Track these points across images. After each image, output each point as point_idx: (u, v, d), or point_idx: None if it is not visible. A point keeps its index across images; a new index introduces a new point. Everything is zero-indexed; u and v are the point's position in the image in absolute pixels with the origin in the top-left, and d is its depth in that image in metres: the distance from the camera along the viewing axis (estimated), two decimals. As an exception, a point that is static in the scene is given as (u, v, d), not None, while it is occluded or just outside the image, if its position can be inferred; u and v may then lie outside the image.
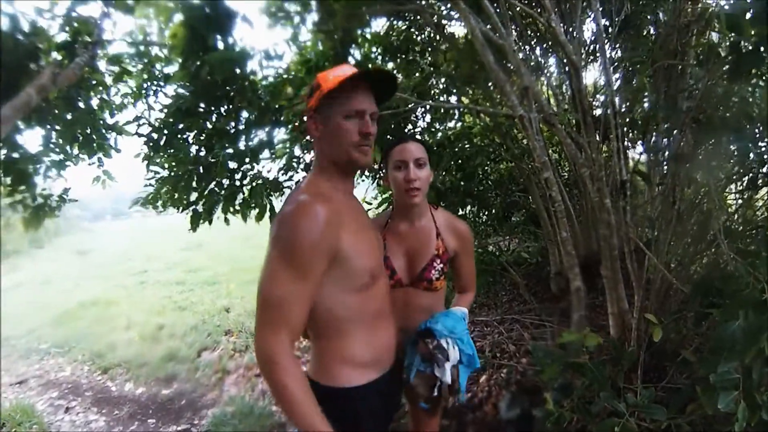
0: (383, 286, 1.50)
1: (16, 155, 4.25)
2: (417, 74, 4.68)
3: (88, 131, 4.62)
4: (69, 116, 4.39)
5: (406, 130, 4.70)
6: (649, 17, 3.06)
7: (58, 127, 4.42)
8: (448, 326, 1.62)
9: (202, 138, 3.90)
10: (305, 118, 1.43)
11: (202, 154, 3.90)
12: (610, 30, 3.07)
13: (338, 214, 1.29)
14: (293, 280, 1.22)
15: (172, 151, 3.95)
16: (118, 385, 4.92)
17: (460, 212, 5.13)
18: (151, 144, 4.07)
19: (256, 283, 1.28)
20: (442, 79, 4.62)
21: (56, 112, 4.32)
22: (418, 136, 4.98)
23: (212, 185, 3.96)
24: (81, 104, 4.53)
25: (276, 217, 1.32)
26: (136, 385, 4.86)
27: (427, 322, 1.65)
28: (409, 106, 3.52)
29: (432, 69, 4.65)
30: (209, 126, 3.89)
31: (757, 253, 1.69)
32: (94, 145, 4.72)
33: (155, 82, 4.54)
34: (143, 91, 4.59)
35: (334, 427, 1.28)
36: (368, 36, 4.57)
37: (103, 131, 4.76)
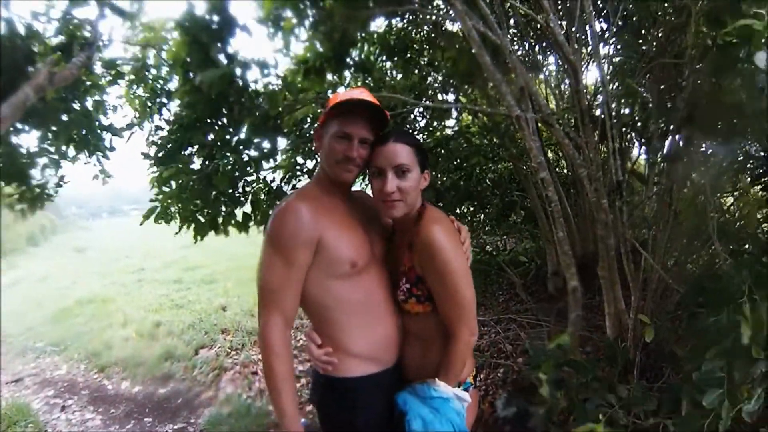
0: (371, 279, 1.53)
1: (14, 157, 4.24)
2: (415, 72, 4.68)
3: (84, 132, 4.63)
4: (65, 117, 4.39)
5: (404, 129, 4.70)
6: (656, 17, 3.02)
7: (54, 128, 4.42)
8: (428, 426, 1.40)
9: (204, 150, 3.88)
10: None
11: (204, 165, 3.89)
12: (610, 30, 3.06)
13: (320, 210, 1.45)
14: (281, 267, 1.41)
15: (175, 165, 3.93)
16: (115, 384, 4.90)
17: (457, 211, 5.14)
18: (157, 163, 4.05)
19: (253, 282, 1.46)
20: (440, 78, 4.61)
21: (52, 113, 4.31)
22: (414, 133, 4.97)
23: (215, 195, 3.94)
24: (76, 106, 4.53)
25: (270, 214, 1.50)
26: (132, 383, 4.84)
27: (406, 404, 1.46)
28: (407, 107, 3.52)
29: (430, 68, 4.65)
30: (211, 138, 3.88)
31: (744, 253, 1.70)
32: (90, 146, 4.73)
33: (158, 100, 4.54)
34: (148, 110, 4.60)
35: (331, 416, 1.55)
36: (366, 36, 4.57)
37: (98, 132, 4.77)
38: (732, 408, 1.52)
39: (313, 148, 1.62)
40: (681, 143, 2.47)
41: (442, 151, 4.73)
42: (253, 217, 4.11)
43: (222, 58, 3.62)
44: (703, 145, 2.44)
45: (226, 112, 3.79)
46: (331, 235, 1.43)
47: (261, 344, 1.43)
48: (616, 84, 3.02)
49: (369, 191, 1.65)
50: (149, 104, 4.58)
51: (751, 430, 1.68)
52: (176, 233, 4.19)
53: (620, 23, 2.96)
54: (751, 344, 1.49)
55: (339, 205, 1.55)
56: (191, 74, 3.66)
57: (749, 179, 2.47)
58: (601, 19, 3.30)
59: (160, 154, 3.99)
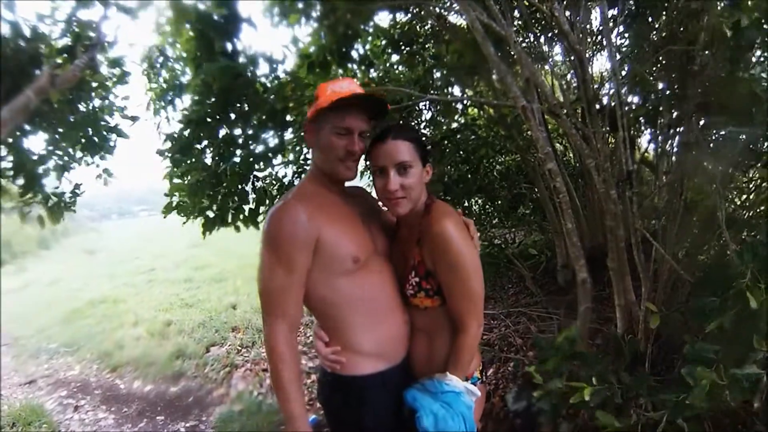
0: (376, 274, 1.51)
1: (24, 160, 4.26)
2: (420, 66, 4.65)
3: (90, 133, 4.63)
4: (71, 119, 4.39)
5: (411, 123, 4.69)
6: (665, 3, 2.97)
7: (61, 130, 4.42)
8: (440, 422, 1.38)
9: (214, 146, 3.88)
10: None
11: (215, 161, 3.89)
12: (618, 17, 3.01)
13: (318, 208, 1.42)
14: (281, 271, 1.39)
15: (188, 161, 3.93)
16: (127, 383, 4.94)
17: (466, 204, 5.12)
18: (170, 157, 4.06)
19: (261, 280, 1.42)
20: (445, 71, 4.58)
21: (59, 115, 4.32)
22: (421, 126, 4.96)
23: (225, 192, 3.94)
24: (82, 107, 4.53)
25: (266, 216, 1.47)
26: (144, 382, 4.88)
27: (416, 401, 1.43)
28: (413, 99, 3.50)
29: (435, 61, 4.62)
30: (222, 133, 3.88)
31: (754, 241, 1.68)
32: (96, 147, 4.74)
33: (170, 94, 4.54)
34: (159, 104, 4.60)
35: (339, 414, 1.54)
36: (371, 30, 4.55)
37: (105, 133, 4.77)
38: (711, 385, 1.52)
39: (307, 142, 1.53)
40: (692, 132, 2.43)
41: (449, 144, 4.71)
42: (263, 213, 4.10)
43: (230, 50, 3.62)
44: (715, 135, 2.41)
45: (236, 106, 3.78)
46: (329, 232, 1.41)
47: (267, 350, 1.41)
48: (626, 72, 2.98)
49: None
50: (161, 99, 4.58)
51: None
52: (183, 223, 4.20)
53: (628, 11, 2.92)
54: (753, 333, 1.49)
55: (336, 201, 1.52)
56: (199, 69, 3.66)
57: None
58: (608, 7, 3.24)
59: (174, 146, 3.99)
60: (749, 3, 1.66)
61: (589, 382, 1.95)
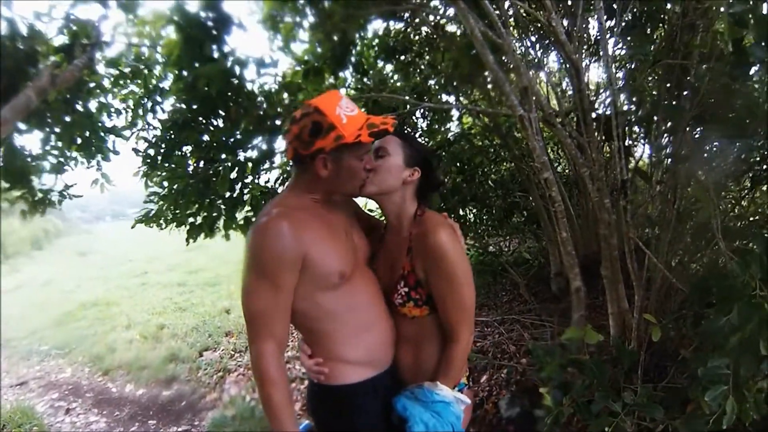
0: (359, 285, 1.49)
1: (15, 157, 4.22)
2: (416, 75, 4.68)
3: (87, 134, 4.58)
4: (67, 119, 4.36)
5: (406, 131, 4.70)
6: (662, 15, 3.00)
7: (57, 130, 4.39)
8: (430, 430, 1.38)
9: (199, 151, 3.80)
10: (307, 156, 1.38)
11: (201, 167, 3.80)
12: (615, 28, 3.04)
13: (303, 224, 1.36)
14: (268, 292, 1.33)
15: (169, 165, 3.86)
16: (119, 387, 4.92)
17: (461, 213, 5.14)
18: (148, 161, 4.01)
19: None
20: (441, 80, 4.60)
21: (55, 115, 4.29)
22: (417, 137, 4.97)
23: (212, 198, 3.85)
24: (79, 107, 4.50)
25: (249, 231, 1.41)
26: (136, 386, 4.86)
27: (406, 410, 1.42)
28: (408, 108, 3.52)
29: (430, 69, 4.65)
30: (206, 138, 3.80)
31: (751, 251, 1.68)
32: (93, 148, 4.69)
33: (152, 97, 4.50)
34: (140, 107, 4.57)
35: (329, 423, 1.51)
36: (366, 38, 4.57)
37: (102, 134, 4.72)
38: (738, 406, 1.52)
39: (320, 174, 1.38)
40: (686, 142, 2.46)
41: (445, 153, 4.73)
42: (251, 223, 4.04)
43: (217, 55, 3.57)
44: (708, 145, 2.43)
45: (221, 111, 3.72)
46: (316, 248, 1.36)
47: (256, 374, 1.37)
48: (623, 81, 3.01)
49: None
50: (143, 102, 4.55)
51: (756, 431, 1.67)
52: (162, 229, 4.14)
53: (625, 22, 2.95)
54: (759, 340, 1.49)
55: (320, 213, 1.46)
56: (185, 72, 3.62)
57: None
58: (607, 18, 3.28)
59: (151, 151, 3.95)
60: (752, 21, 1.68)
61: (585, 392, 1.96)
